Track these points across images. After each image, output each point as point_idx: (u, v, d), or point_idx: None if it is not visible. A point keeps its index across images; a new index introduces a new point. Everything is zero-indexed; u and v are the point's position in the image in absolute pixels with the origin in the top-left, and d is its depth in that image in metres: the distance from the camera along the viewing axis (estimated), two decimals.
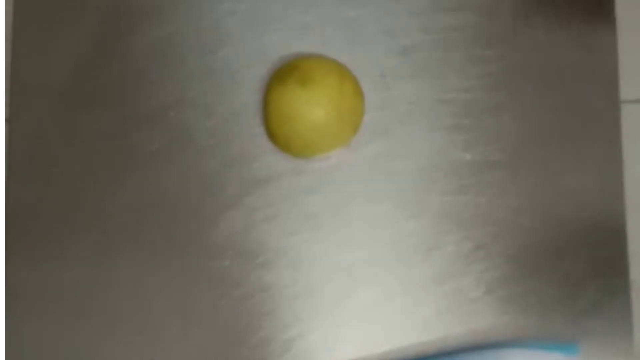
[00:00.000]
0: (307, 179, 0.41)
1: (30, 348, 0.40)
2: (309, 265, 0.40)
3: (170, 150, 0.41)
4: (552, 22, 0.42)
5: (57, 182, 0.41)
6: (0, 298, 0.38)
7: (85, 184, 0.41)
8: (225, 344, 0.40)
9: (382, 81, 0.41)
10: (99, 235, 0.40)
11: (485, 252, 0.40)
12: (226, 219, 0.40)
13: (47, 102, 0.42)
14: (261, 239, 0.40)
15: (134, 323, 0.40)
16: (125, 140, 0.41)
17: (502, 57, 0.42)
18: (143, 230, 0.40)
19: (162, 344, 0.40)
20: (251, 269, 0.40)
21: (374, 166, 0.41)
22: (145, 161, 0.41)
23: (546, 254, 0.40)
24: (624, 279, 0.40)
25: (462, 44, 0.42)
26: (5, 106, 0.42)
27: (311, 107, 0.35)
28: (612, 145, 0.41)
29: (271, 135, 0.37)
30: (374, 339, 0.40)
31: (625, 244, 0.40)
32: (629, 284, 0.40)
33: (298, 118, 0.35)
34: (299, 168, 0.41)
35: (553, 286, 0.40)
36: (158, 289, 0.40)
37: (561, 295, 0.40)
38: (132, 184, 0.41)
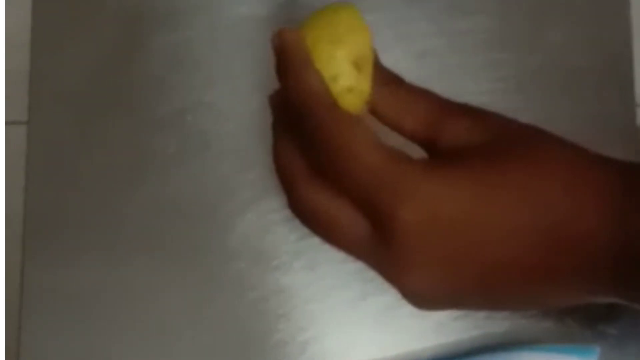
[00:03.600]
0: None
1: (47, 350, 0.40)
2: (324, 268, 0.40)
3: (187, 154, 0.41)
4: (567, 26, 0.42)
5: (75, 186, 0.41)
6: (0, 298, 0.38)
7: (103, 188, 0.41)
8: (241, 346, 0.40)
9: None
10: (116, 239, 0.41)
11: None
12: (242, 222, 0.41)
13: (65, 106, 0.42)
14: (277, 242, 0.41)
15: (150, 325, 0.40)
16: (143, 144, 0.41)
17: (518, 60, 0.42)
18: (160, 233, 0.41)
19: (178, 346, 0.40)
20: (267, 271, 0.40)
21: None
22: (162, 165, 0.41)
23: None
24: None
25: (477, 47, 0.42)
26: (24, 110, 0.42)
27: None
28: (627, 149, 0.41)
29: None
30: (388, 342, 0.40)
31: None
32: None
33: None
34: None
35: None
36: (174, 292, 0.40)
37: None
38: (149, 188, 0.41)
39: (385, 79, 0.30)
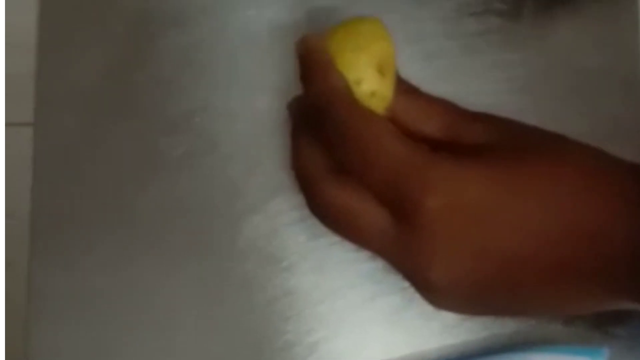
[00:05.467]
0: None
1: (55, 350, 0.40)
2: (333, 269, 0.40)
3: (195, 156, 0.41)
4: (576, 26, 0.42)
5: (82, 187, 0.41)
6: (0, 298, 0.39)
7: (111, 189, 0.41)
8: (250, 347, 0.40)
9: None
10: (125, 240, 0.41)
11: None
12: (250, 224, 0.41)
13: (72, 108, 0.42)
14: (285, 243, 0.41)
15: (158, 326, 0.40)
16: (151, 145, 0.41)
17: (527, 61, 0.42)
18: (167, 235, 0.41)
19: (186, 347, 0.40)
20: (275, 273, 0.40)
21: None
22: (170, 166, 0.41)
23: None
24: None
25: (486, 48, 0.42)
26: (31, 112, 0.42)
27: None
28: (636, 150, 0.41)
29: None
30: (397, 343, 0.40)
31: None
32: None
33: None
34: None
35: None
36: (182, 293, 0.40)
37: None
38: (158, 189, 0.41)
39: (404, 88, 0.31)
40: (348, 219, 0.29)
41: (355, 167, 0.28)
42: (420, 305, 0.40)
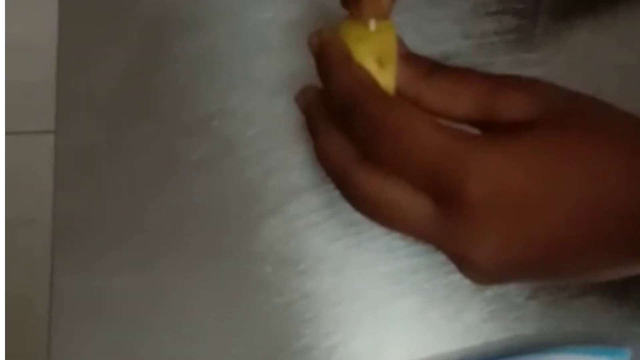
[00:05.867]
0: None
1: (77, 353, 0.40)
2: (350, 272, 0.40)
3: (212, 159, 0.41)
4: (594, 24, 0.42)
5: (102, 192, 0.42)
6: (0, 299, 0.39)
7: (130, 193, 0.41)
8: (268, 350, 0.40)
9: None
10: (143, 243, 0.41)
11: None
12: (268, 227, 0.41)
13: (92, 114, 0.42)
14: (302, 246, 0.41)
15: (176, 329, 0.40)
16: (168, 149, 0.42)
17: (544, 60, 0.41)
18: (185, 238, 0.41)
19: (204, 350, 0.40)
20: (293, 276, 0.40)
21: None
22: (187, 170, 0.41)
23: None
24: None
25: (503, 48, 0.41)
26: (52, 119, 0.42)
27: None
28: None
29: None
30: (416, 346, 0.40)
31: None
32: None
33: None
34: None
35: (599, 291, 0.39)
36: (200, 296, 0.40)
37: (607, 300, 0.39)
38: (175, 193, 0.41)
39: (423, 71, 0.30)
40: (387, 205, 0.28)
41: (391, 159, 0.27)
42: (441, 307, 0.40)
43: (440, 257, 0.40)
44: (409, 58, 0.30)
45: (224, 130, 0.42)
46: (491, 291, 0.40)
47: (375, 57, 0.29)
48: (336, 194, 0.41)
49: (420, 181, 0.27)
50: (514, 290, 0.40)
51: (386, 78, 0.29)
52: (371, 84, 0.29)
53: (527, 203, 0.26)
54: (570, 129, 0.27)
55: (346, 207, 0.41)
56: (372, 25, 0.30)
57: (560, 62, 0.41)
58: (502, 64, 0.41)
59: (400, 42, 0.30)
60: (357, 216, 0.41)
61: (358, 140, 0.28)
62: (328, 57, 0.30)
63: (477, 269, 0.27)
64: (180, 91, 0.42)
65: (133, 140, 0.42)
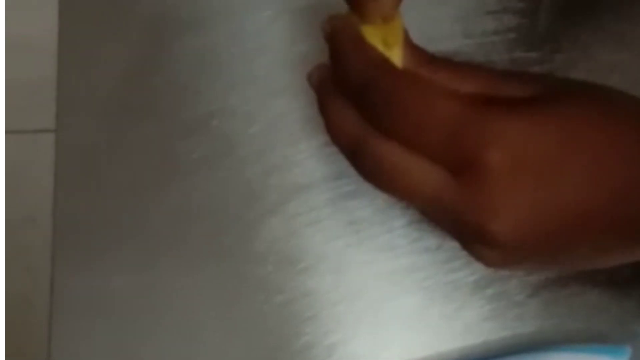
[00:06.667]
0: (349, 185, 0.41)
1: (77, 352, 0.40)
2: (351, 270, 0.40)
3: (212, 158, 0.41)
4: (595, 23, 0.42)
5: (103, 191, 0.42)
6: (0, 299, 0.39)
7: (130, 193, 0.42)
8: (268, 349, 0.40)
9: None
10: (144, 242, 0.41)
11: None
12: (268, 225, 0.41)
13: (92, 113, 0.42)
14: (303, 244, 0.41)
15: (177, 328, 0.40)
16: (169, 148, 0.42)
17: (544, 59, 0.41)
18: (186, 237, 0.41)
19: (205, 349, 0.40)
20: (293, 274, 0.40)
21: None
22: (188, 169, 0.41)
23: None
24: None
25: (504, 47, 0.41)
26: (52, 118, 0.43)
27: None
28: None
29: None
30: (416, 344, 0.40)
31: None
32: None
33: None
34: (340, 173, 0.41)
35: (599, 288, 0.39)
36: (201, 295, 0.40)
37: (607, 298, 0.39)
38: (176, 192, 0.41)
39: (427, 58, 0.30)
40: (403, 176, 0.28)
41: (407, 132, 0.27)
42: (441, 305, 0.40)
43: (441, 256, 0.40)
44: (413, 45, 0.30)
45: (224, 129, 0.42)
46: (491, 289, 0.40)
47: (381, 38, 0.29)
48: (337, 192, 0.41)
49: (438, 152, 0.26)
50: (514, 288, 0.40)
51: (394, 59, 0.29)
52: (383, 61, 0.29)
53: (549, 167, 0.25)
54: (579, 101, 0.27)
55: (347, 205, 0.42)
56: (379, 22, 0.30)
57: (560, 61, 0.41)
58: (503, 62, 0.41)
59: (406, 32, 0.30)
60: (357, 215, 0.42)
61: (373, 117, 0.28)
62: (341, 40, 0.30)
63: (497, 243, 0.26)
64: (180, 90, 0.42)
65: (133, 140, 0.42)
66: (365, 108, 0.28)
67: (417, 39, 0.42)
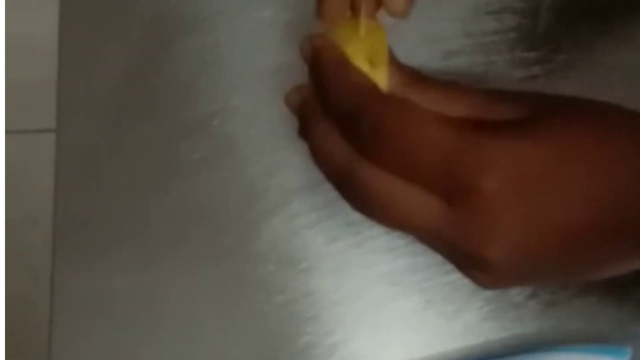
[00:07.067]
0: None
1: (78, 352, 0.40)
2: (351, 271, 0.40)
3: (213, 158, 0.41)
4: (595, 23, 0.42)
5: (103, 191, 0.42)
6: (0, 299, 0.39)
7: (131, 192, 0.42)
8: (269, 349, 0.40)
9: None
10: (145, 242, 0.41)
11: None
12: (269, 226, 0.41)
13: (93, 113, 0.42)
14: (304, 245, 0.41)
15: (178, 328, 0.40)
16: (170, 148, 0.42)
17: (545, 59, 0.41)
18: (187, 237, 0.41)
19: (206, 349, 0.40)
20: (294, 274, 0.40)
21: None
22: (189, 169, 0.41)
23: None
24: None
25: (505, 47, 0.41)
26: (53, 118, 0.43)
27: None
28: None
29: None
30: (417, 344, 0.40)
31: None
32: None
33: None
34: None
35: (599, 290, 0.39)
36: (202, 295, 0.40)
37: (607, 299, 0.39)
38: (177, 192, 0.41)
39: (414, 77, 0.29)
40: (396, 205, 0.27)
41: (399, 162, 0.26)
42: (440, 306, 0.40)
43: (440, 257, 0.40)
44: (399, 64, 0.29)
45: (225, 129, 0.42)
46: (491, 291, 0.40)
47: (366, 56, 0.29)
48: (338, 193, 0.41)
49: (430, 181, 0.26)
50: (513, 289, 0.40)
51: (379, 78, 0.28)
52: (370, 87, 0.28)
53: (545, 189, 0.25)
54: (569, 119, 0.26)
55: (347, 206, 0.42)
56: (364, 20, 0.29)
57: (561, 61, 0.41)
58: (503, 62, 0.41)
59: (390, 51, 0.29)
60: (357, 215, 0.41)
61: (361, 146, 0.27)
62: (322, 62, 0.29)
63: (493, 268, 0.26)
64: (181, 91, 0.42)
65: (133, 140, 0.42)
66: (352, 137, 0.28)
67: (417, 38, 0.42)
